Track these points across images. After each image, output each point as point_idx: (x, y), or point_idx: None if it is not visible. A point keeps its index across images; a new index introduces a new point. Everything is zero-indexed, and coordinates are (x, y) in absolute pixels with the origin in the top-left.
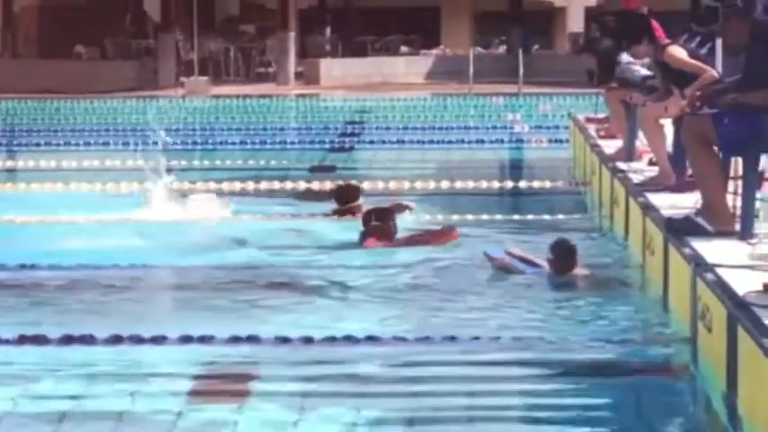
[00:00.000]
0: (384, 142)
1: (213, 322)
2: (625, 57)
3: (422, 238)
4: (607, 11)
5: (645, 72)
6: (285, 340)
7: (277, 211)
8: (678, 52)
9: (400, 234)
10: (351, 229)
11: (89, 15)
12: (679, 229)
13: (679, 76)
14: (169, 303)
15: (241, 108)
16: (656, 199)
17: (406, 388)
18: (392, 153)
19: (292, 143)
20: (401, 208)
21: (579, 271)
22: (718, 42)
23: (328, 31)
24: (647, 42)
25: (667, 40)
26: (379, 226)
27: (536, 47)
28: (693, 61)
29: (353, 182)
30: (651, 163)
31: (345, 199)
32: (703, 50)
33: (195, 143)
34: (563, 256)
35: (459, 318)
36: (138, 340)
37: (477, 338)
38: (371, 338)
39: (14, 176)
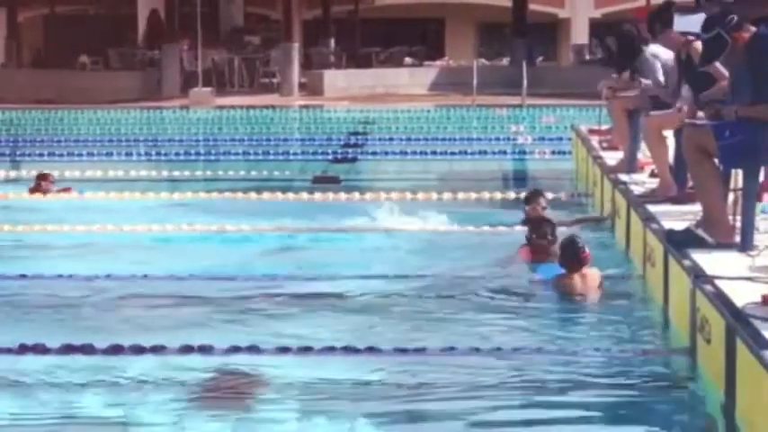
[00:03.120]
0: (387, 153)
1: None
2: (651, 48)
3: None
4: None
5: (660, 77)
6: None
7: (462, 221)
8: None
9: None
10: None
11: (93, 26)
12: (679, 241)
13: (697, 77)
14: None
15: (245, 119)
16: (657, 210)
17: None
18: (395, 164)
19: (295, 154)
20: (587, 222)
21: (588, 271)
22: None
23: (332, 42)
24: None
25: None
26: (535, 241)
27: (540, 58)
28: (717, 64)
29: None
30: (653, 174)
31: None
32: None
33: (199, 153)
34: (572, 253)
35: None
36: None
37: (476, 350)
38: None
39: (19, 187)
